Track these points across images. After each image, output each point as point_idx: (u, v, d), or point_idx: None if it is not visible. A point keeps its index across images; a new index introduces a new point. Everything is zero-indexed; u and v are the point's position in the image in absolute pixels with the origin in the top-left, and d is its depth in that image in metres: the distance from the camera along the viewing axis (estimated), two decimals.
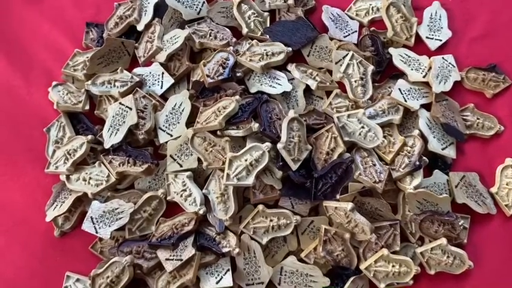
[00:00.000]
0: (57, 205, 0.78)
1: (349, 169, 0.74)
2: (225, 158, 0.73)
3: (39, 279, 0.76)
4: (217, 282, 0.71)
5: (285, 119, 0.74)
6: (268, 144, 0.73)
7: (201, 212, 0.73)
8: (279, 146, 0.72)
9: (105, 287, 0.71)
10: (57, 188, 0.80)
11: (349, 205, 0.70)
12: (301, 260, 0.73)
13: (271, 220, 0.73)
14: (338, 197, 0.73)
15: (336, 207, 0.72)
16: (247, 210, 0.76)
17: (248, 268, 0.72)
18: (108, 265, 0.72)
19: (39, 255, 0.78)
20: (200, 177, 0.79)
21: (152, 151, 0.80)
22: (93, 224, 0.75)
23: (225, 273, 0.71)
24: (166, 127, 0.79)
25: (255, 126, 0.74)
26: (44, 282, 0.76)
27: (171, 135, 0.79)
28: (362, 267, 0.72)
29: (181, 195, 0.75)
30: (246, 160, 0.72)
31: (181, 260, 0.71)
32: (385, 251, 0.71)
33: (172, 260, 0.71)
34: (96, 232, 0.75)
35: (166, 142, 0.78)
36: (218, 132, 0.76)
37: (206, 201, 0.75)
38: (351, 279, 0.72)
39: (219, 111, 0.76)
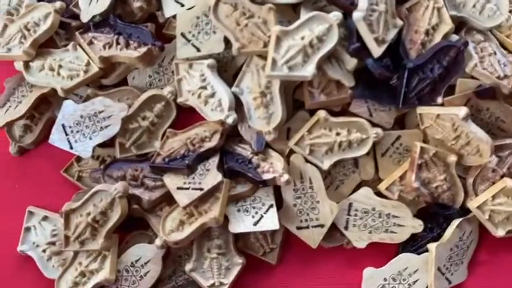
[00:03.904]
0: (10, 106, 0.64)
1: (459, 58, 0.55)
2: (269, 37, 0.55)
3: None
4: (255, 224, 0.57)
5: None
6: (337, 13, 0.54)
7: (229, 120, 0.58)
8: (356, 15, 0.52)
9: (85, 228, 0.55)
10: (11, 82, 0.64)
11: (462, 110, 0.53)
12: (379, 194, 0.59)
13: (337, 134, 0.58)
14: (441, 100, 0.56)
15: (439, 114, 0.55)
16: (299, 119, 0.61)
17: (301, 204, 0.58)
18: (89, 196, 0.57)
19: None
20: (228, 69, 0.62)
21: (154, 29, 0.64)
22: (66, 135, 0.61)
23: (267, 210, 0.58)
24: None
25: None
26: None
27: (182, 4, 0.62)
28: (472, 205, 0.57)
29: (199, 96, 0.60)
30: (302, 38, 0.54)
31: (202, 189, 0.57)
32: (509, 182, 0.55)
33: (188, 189, 0.58)
34: (71, 148, 0.60)
35: (175, 15, 0.62)
36: None
37: (237, 104, 0.60)
38: (456, 222, 0.56)
39: None
